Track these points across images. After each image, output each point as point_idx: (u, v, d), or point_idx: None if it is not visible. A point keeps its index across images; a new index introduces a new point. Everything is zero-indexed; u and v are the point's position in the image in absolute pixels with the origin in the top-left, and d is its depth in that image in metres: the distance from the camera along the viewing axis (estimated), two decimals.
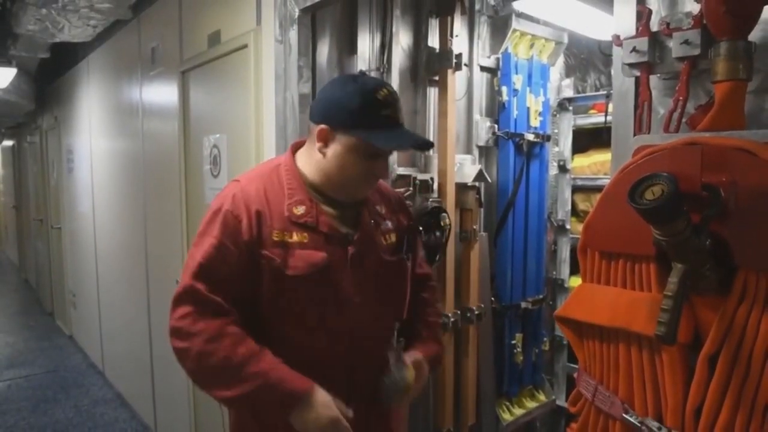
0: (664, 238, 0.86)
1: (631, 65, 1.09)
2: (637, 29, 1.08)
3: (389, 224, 1.34)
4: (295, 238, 1.20)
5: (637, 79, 1.11)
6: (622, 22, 1.12)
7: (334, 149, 1.20)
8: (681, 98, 1.02)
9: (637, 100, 1.11)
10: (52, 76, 5.15)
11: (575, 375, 1.15)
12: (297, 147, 1.33)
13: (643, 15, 1.07)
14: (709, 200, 0.86)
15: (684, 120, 1.03)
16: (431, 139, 2.24)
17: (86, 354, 4.85)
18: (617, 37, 1.11)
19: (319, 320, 1.23)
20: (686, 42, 0.98)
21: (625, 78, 1.12)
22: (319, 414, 1.13)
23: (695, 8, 1.00)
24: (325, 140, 1.21)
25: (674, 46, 1.01)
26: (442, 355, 1.67)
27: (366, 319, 1.27)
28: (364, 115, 1.17)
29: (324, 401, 1.14)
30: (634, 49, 1.06)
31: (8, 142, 9.25)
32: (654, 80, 1.10)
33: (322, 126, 1.20)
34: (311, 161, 1.25)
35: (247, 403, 1.15)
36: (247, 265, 1.18)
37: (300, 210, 1.21)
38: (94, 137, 4.11)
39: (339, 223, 1.25)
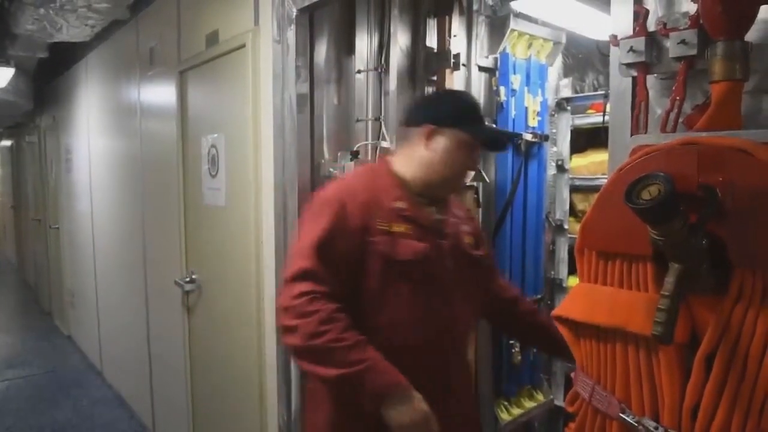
0: (661, 238, 0.86)
1: (628, 65, 1.08)
2: (634, 29, 1.08)
3: (466, 227, 1.47)
4: (399, 228, 1.31)
5: (634, 79, 1.10)
6: (619, 21, 1.12)
7: (439, 143, 1.36)
8: (678, 98, 1.02)
9: (634, 100, 1.11)
10: (50, 76, 5.14)
11: (573, 375, 1.15)
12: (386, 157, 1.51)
13: (640, 15, 1.07)
14: (706, 200, 0.86)
15: (681, 120, 1.02)
16: None
17: (85, 354, 4.84)
18: (614, 36, 1.11)
19: (424, 309, 1.31)
20: (683, 42, 0.98)
21: (622, 78, 1.12)
22: (415, 407, 1.19)
23: (692, 8, 1.00)
24: (430, 137, 1.36)
25: (671, 46, 1.00)
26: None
27: (460, 312, 1.38)
28: (468, 113, 1.40)
29: (420, 397, 1.20)
30: (631, 49, 1.06)
31: (7, 142, 9.23)
32: (651, 80, 1.10)
33: (428, 125, 1.36)
34: (411, 161, 1.39)
35: (345, 385, 1.20)
36: (355, 253, 1.27)
37: (401, 204, 1.34)
38: (93, 137, 4.11)
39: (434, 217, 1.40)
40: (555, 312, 1.13)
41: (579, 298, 1.09)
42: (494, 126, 1.49)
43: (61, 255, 5.35)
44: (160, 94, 2.84)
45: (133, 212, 3.36)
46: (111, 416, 3.70)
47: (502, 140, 1.57)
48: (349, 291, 1.27)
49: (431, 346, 1.32)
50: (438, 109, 1.41)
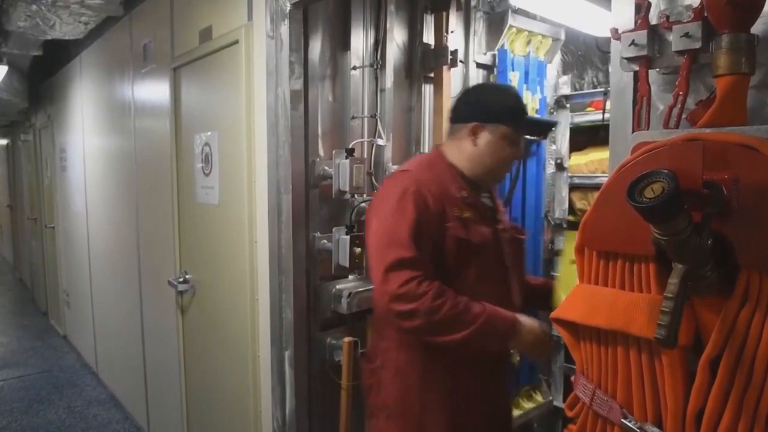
0: (664, 238, 0.83)
1: (630, 59, 1.05)
2: (636, 22, 1.05)
3: (506, 214, 1.67)
4: (468, 214, 1.46)
5: (635, 73, 1.07)
6: (620, 15, 1.09)
7: (484, 138, 1.48)
8: (681, 93, 0.99)
9: (635, 96, 1.08)
10: (45, 74, 5.10)
11: (572, 379, 1.11)
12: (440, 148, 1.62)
13: (641, 7, 1.04)
14: (711, 198, 0.83)
15: (684, 116, 0.99)
16: (427, 139, 2.21)
17: (80, 354, 4.81)
18: (615, 30, 1.08)
19: (491, 286, 1.47)
20: (686, 35, 0.95)
21: (623, 73, 1.09)
22: (533, 328, 1.42)
23: (695, 0, 0.97)
24: (476, 133, 1.48)
25: (674, 40, 0.97)
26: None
27: (515, 289, 1.56)
28: (510, 107, 1.49)
29: (530, 319, 1.43)
30: (632, 43, 1.02)
31: (2, 141, 9.19)
32: (652, 75, 1.06)
33: (475, 123, 1.48)
34: (462, 154, 1.51)
35: (475, 340, 1.36)
36: (438, 238, 1.41)
37: (464, 193, 1.48)
38: (87, 136, 4.07)
39: (484, 203, 1.55)
40: (553, 314, 1.10)
41: (578, 299, 1.06)
42: (536, 116, 1.63)
43: (56, 254, 5.32)
44: (154, 91, 2.80)
45: (127, 211, 3.33)
46: (105, 417, 3.67)
47: (543, 129, 1.80)
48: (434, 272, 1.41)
49: None
50: (482, 105, 1.51)
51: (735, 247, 0.84)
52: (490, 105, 1.51)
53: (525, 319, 1.43)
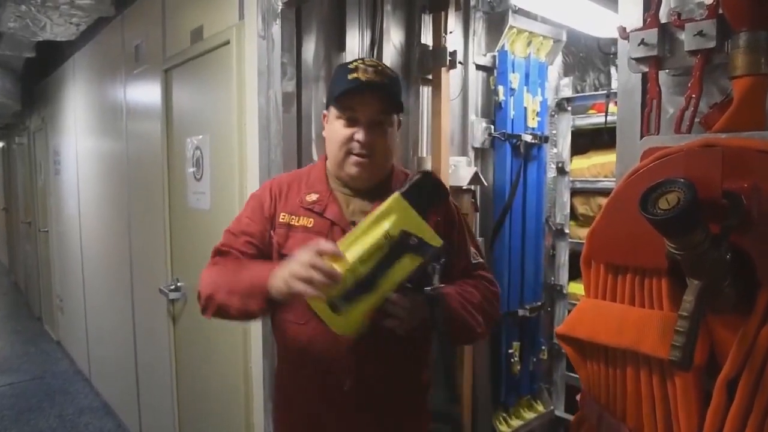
0: (680, 252, 0.77)
1: (639, 60, 0.99)
2: (645, 20, 0.99)
3: None
4: (301, 222, 1.27)
5: (644, 75, 1.01)
6: (627, 13, 1.03)
7: (328, 125, 1.30)
8: (694, 95, 0.93)
9: (644, 98, 1.02)
10: (39, 76, 5.05)
11: (578, 398, 1.05)
12: None
13: (651, 4, 0.98)
14: (730, 209, 0.77)
15: (697, 119, 0.93)
16: (425, 143, 2.15)
17: (73, 360, 4.74)
18: (623, 29, 1.02)
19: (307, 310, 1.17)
20: (700, 33, 0.89)
21: (631, 74, 1.03)
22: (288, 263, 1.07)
23: None
24: (324, 121, 1.32)
25: (687, 39, 0.91)
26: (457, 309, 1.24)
27: None
28: (335, 83, 1.27)
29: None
30: (642, 42, 0.97)
31: None
32: (662, 77, 1.01)
33: (324, 111, 1.33)
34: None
35: (229, 285, 1.20)
36: (262, 244, 1.29)
37: (312, 197, 1.29)
38: (80, 139, 4.01)
39: (352, 213, 1.28)
40: (558, 330, 1.04)
41: (585, 314, 0.99)
42: (374, 87, 1.21)
43: (50, 259, 5.25)
44: (146, 93, 2.74)
45: (119, 216, 3.26)
46: (97, 426, 3.59)
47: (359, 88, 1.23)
48: None
49: (331, 348, 1.25)
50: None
51: (755, 262, 0.78)
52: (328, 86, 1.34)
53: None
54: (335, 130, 1.25)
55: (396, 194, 1.05)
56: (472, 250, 1.37)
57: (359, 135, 1.22)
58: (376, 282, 1.03)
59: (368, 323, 1.07)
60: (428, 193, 1.10)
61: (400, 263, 1.03)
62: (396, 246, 1.02)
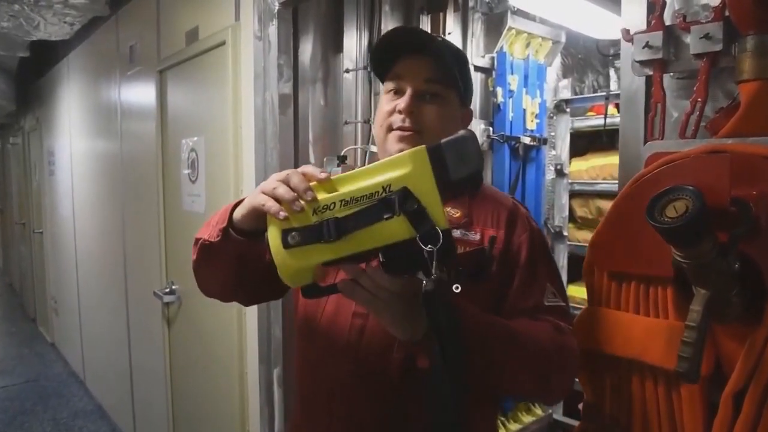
0: (687, 261, 0.75)
1: (643, 63, 0.97)
2: (649, 23, 0.97)
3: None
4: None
5: (648, 78, 0.99)
6: (631, 14, 1.01)
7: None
8: (699, 100, 0.91)
9: (648, 102, 1.00)
10: (33, 76, 5.00)
11: (580, 407, 1.03)
12: None
13: (656, 6, 0.96)
14: (739, 217, 0.75)
15: (703, 124, 0.91)
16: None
17: (68, 363, 4.69)
18: (626, 31, 1.00)
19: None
20: (706, 36, 0.87)
21: (634, 77, 1.01)
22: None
23: (714, 0, 0.89)
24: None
25: (692, 41, 0.89)
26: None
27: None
28: (374, 53, 1.13)
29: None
30: (646, 45, 0.94)
31: None
32: (666, 80, 0.98)
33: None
34: None
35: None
36: None
37: None
38: (74, 139, 3.98)
39: None
40: None
41: (587, 324, 0.97)
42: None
43: (44, 260, 5.20)
44: (140, 94, 2.71)
45: (113, 218, 3.23)
46: (92, 429, 3.56)
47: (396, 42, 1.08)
48: None
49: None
50: None
51: (764, 271, 0.76)
52: None
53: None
54: (379, 108, 1.06)
55: (421, 147, 0.79)
56: (549, 286, 1.00)
57: (402, 104, 1.01)
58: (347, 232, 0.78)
59: (319, 279, 0.80)
60: (463, 163, 0.79)
61: (387, 225, 0.76)
62: (388, 201, 0.76)
